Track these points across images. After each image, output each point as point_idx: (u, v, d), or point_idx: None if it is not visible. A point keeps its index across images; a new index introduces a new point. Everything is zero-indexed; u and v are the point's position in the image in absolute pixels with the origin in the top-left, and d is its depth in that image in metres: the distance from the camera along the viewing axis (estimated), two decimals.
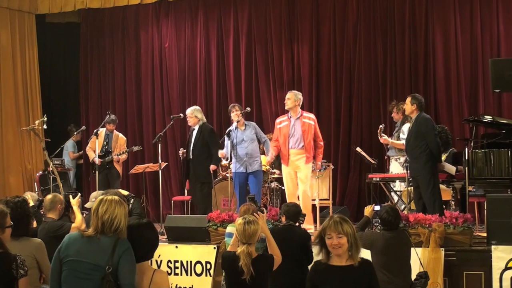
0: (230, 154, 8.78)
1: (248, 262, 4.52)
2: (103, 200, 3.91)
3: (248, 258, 4.53)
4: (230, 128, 8.97)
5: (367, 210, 6.18)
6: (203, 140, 9.00)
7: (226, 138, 8.91)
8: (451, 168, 7.93)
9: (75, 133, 11.21)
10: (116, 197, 3.99)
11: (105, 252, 3.78)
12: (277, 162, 10.16)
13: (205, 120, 9.27)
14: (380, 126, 8.87)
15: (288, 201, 8.26)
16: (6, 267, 3.92)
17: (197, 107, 9.42)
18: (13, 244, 4.39)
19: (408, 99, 7.76)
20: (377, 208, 6.07)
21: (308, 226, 7.96)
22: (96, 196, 5.68)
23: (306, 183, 8.49)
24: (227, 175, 8.82)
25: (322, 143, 8.69)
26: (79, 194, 6.32)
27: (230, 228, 6.35)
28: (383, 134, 8.79)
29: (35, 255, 4.76)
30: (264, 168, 9.27)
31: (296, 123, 8.50)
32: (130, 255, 3.86)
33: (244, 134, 8.83)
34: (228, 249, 5.32)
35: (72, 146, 12.07)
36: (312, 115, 8.79)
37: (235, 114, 8.87)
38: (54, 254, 3.88)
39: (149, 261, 4.21)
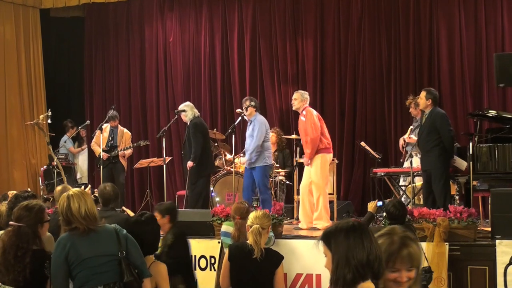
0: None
1: (258, 240, 4.52)
2: (70, 197, 3.81)
3: (258, 236, 4.54)
4: (235, 123, 8.88)
5: (371, 206, 6.20)
6: (188, 136, 8.85)
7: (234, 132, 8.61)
8: (461, 163, 7.91)
9: (80, 128, 11.21)
10: (77, 189, 3.98)
11: (112, 240, 3.83)
12: (281, 157, 10.16)
13: (190, 116, 8.93)
14: (411, 127, 8.98)
15: (301, 193, 8.24)
16: (38, 265, 3.90)
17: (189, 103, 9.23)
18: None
19: (423, 94, 7.74)
20: (380, 204, 6.09)
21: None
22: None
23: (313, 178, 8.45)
24: (232, 169, 8.78)
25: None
26: (89, 185, 6.32)
27: (225, 227, 6.31)
28: (411, 136, 8.81)
29: None
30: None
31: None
32: (132, 239, 3.96)
33: (249, 129, 8.64)
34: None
35: (70, 142, 12.02)
36: (304, 111, 8.37)
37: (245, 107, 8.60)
38: (56, 258, 3.75)
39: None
